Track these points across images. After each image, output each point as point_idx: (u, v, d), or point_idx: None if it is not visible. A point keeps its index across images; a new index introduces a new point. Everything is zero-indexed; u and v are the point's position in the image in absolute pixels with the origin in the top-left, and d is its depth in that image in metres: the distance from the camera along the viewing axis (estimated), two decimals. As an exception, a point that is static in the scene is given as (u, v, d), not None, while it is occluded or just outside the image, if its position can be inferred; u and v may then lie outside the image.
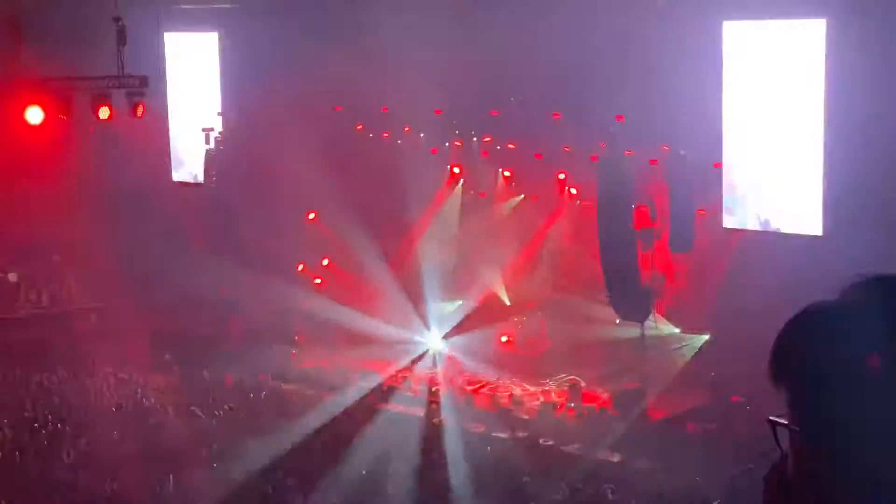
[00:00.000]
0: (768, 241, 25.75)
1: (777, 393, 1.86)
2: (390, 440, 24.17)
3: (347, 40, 29.49)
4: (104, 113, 33.04)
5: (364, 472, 21.81)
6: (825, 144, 24.01)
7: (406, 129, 33.23)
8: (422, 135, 33.40)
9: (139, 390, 27.53)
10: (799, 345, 1.83)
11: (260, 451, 23.35)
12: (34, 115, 30.08)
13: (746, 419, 23.47)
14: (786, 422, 1.91)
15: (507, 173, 32.20)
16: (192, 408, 26.35)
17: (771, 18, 24.61)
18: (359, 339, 32.30)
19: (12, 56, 29.74)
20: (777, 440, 1.94)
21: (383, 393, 28.06)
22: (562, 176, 30.91)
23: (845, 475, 1.78)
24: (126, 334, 30.65)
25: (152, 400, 26.80)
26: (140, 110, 34.22)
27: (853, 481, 1.77)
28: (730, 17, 24.97)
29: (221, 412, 26.20)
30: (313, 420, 25.86)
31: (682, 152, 25.29)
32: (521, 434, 24.92)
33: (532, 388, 28.20)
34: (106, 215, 31.94)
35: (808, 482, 1.82)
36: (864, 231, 23.40)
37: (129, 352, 30.11)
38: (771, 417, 1.99)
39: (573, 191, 30.35)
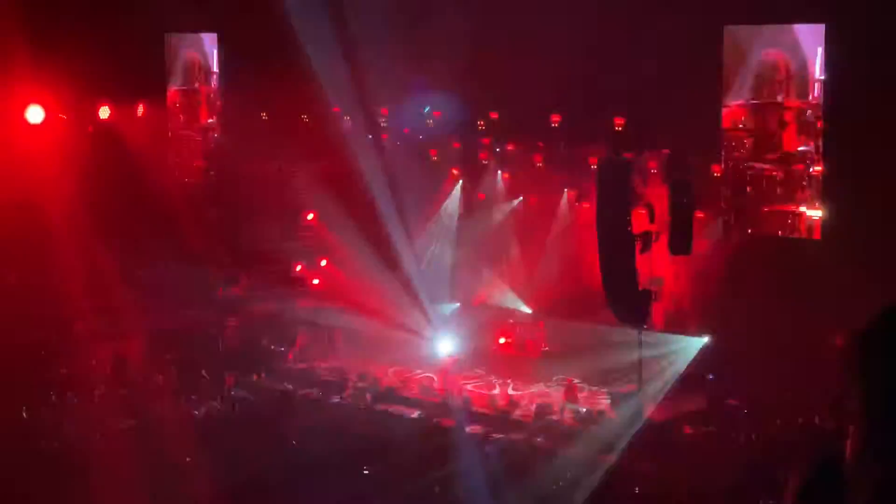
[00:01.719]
0: (767, 245, 25.85)
1: (850, 383, 1.91)
2: (388, 441, 24.27)
3: (346, 41, 29.59)
4: (105, 112, 33.19)
5: (365, 471, 21.91)
6: (824, 148, 24.12)
7: (405, 130, 33.34)
8: (420, 136, 33.52)
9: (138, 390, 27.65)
10: (883, 342, 1.84)
11: (256, 451, 23.45)
12: (35, 114, 30.18)
13: (747, 425, 23.60)
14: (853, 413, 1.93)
15: (506, 175, 32.30)
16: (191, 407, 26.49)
17: (770, 23, 24.70)
18: (356, 341, 32.40)
19: (11, 55, 29.78)
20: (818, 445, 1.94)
21: (381, 393, 28.13)
22: (561, 178, 31.02)
23: None
24: (125, 334, 30.70)
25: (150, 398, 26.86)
26: (140, 109, 34.37)
27: None
28: (730, 22, 25.06)
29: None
30: (310, 420, 25.96)
31: (682, 155, 25.39)
32: (517, 436, 25.00)
33: (530, 390, 28.30)
34: (104, 214, 31.98)
35: (878, 476, 1.86)
36: (862, 236, 23.54)
37: (129, 351, 30.18)
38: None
39: (572, 193, 30.46)
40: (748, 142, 25.47)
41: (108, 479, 21.75)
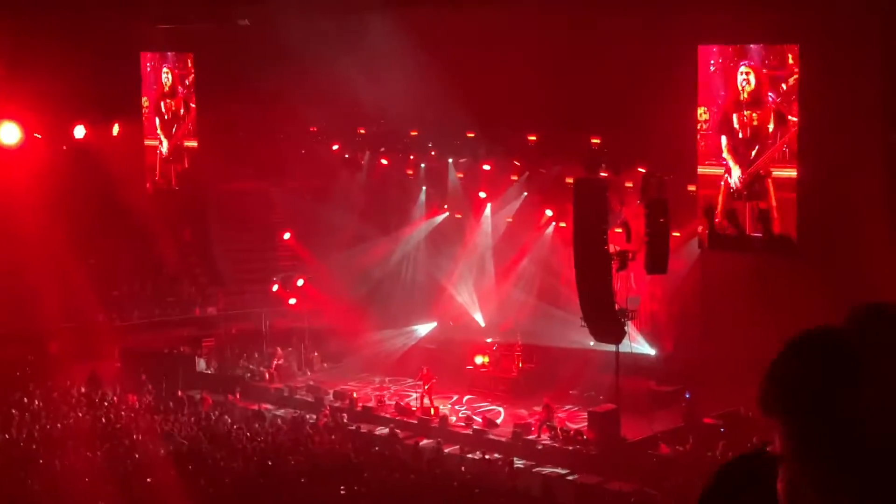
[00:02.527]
0: (743, 264, 25.97)
1: (769, 422, 1.89)
2: (363, 460, 24.25)
3: (324, 61, 29.68)
4: (80, 132, 33.08)
5: (342, 491, 21.87)
6: (798, 166, 24.28)
7: (382, 149, 33.45)
8: (397, 155, 33.61)
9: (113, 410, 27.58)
10: (798, 377, 1.82)
11: (230, 470, 23.36)
12: (10, 133, 30.05)
13: (723, 443, 23.62)
14: (777, 451, 1.92)
15: (482, 194, 32.37)
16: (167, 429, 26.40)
17: (745, 43, 24.87)
18: (333, 359, 32.43)
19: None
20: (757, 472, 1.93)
21: (356, 413, 28.11)
22: (538, 197, 31.06)
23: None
24: (100, 353, 30.58)
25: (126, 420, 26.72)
26: (116, 129, 34.27)
27: None
28: (705, 41, 25.21)
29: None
30: (284, 439, 25.91)
31: (658, 175, 25.50)
32: (495, 455, 25.00)
33: (507, 409, 28.33)
34: (79, 234, 31.92)
35: None
36: (837, 253, 23.70)
37: (104, 371, 30.08)
38: (758, 449, 1.93)
39: (549, 212, 30.53)
40: (725, 159, 25.59)
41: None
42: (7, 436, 25.46)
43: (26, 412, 26.77)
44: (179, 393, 29.20)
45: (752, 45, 24.85)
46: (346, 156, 34.22)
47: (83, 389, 28.92)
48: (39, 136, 32.06)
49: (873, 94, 23.31)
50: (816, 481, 1.80)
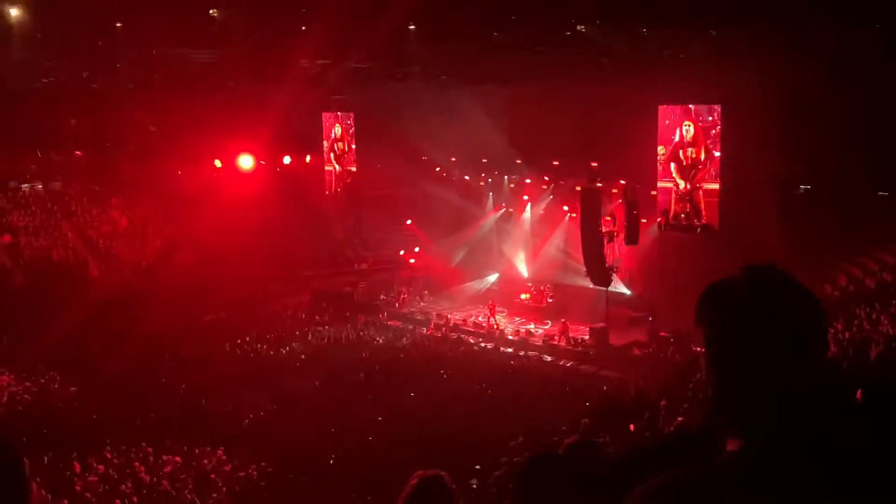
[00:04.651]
0: (684, 241, 25.38)
1: (698, 330, 1.82)
2: (452, 354, 24.06)
3: (434, 118, 29.55)
4: (286, 160, 33.39)
5: (444, 375, 21.62)
6: (720, 182, 23.69)
7: (464, 171, 33.28)
8: (472, 175, 33.40)
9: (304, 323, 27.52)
10: (708, 304, 1.76)
11: (367, 361, 23.08)
12: (247, 162, 30.40)
13: (672, 347, 23.20)
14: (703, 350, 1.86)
15: (525, 197, 32.08)
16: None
17: (690, 104, 24.19)
18: (436, 294, 32.41)
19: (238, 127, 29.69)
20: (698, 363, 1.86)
21: (451, 327, 28.06)
22: (560, 198, 30.68)
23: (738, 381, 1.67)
24: (298, 292, 30.50)
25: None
26: (308, 158, 34.51)
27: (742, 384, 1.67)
28: (662, 102, 24.59)
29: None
30: (406, 342, 25.91)
31: (632, 185, 25.01)
32: (529, 353, 24.82)
33: (538, 325, 28.13)
34: (286, 224, 31.76)
35: (715, 387, 1.70)
36: (742, 236, 23.03)
37: (301, 301, 29.97)
38: (696, 349, 1.85)
39: (566, 208, 30.16)
40: (674, 177, 24.98)
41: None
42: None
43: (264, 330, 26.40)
44: (347, 314, 29.35)
45: (691, 105, 24.19)
46: (444, 175, 34.05)
47: (300, 313, 28.91)
48: (263, 163, 32.40)
49: (771, 137, 22.53)
50: (721, 379, 1.70)
